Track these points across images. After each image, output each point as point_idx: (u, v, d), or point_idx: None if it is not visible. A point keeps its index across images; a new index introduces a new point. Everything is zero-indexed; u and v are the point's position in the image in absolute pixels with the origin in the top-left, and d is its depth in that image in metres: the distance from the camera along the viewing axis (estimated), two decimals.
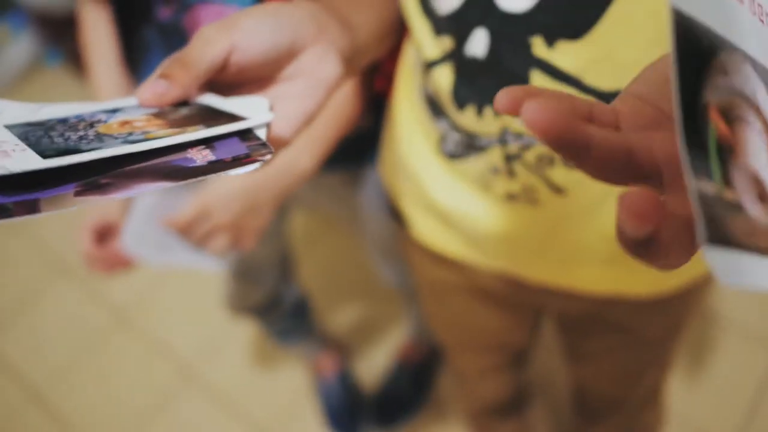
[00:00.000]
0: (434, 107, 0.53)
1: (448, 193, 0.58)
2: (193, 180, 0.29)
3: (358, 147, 0.72)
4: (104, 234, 0.70)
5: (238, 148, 0.31)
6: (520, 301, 0.68)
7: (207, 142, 0.31)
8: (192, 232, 0.61)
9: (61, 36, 1.97)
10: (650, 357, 0.69)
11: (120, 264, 0.69)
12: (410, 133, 0.59)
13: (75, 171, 0.27)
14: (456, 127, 0.51)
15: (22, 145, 0.27)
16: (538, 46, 0.43)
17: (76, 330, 1.53)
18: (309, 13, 0.37)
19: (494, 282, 0.65)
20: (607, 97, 0.43)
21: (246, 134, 0.32)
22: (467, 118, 0.49)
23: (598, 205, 0.51)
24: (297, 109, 0.36)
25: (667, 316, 0.63)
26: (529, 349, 0.85)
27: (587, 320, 0.66)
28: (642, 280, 0.58)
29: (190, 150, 0.30)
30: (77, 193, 0.27)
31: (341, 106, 0.63)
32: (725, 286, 0.46)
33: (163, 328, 1.50)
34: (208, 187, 0.61)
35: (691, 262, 0.56)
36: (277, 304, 1.08)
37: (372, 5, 0.47)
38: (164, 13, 0.67)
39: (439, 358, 1.33)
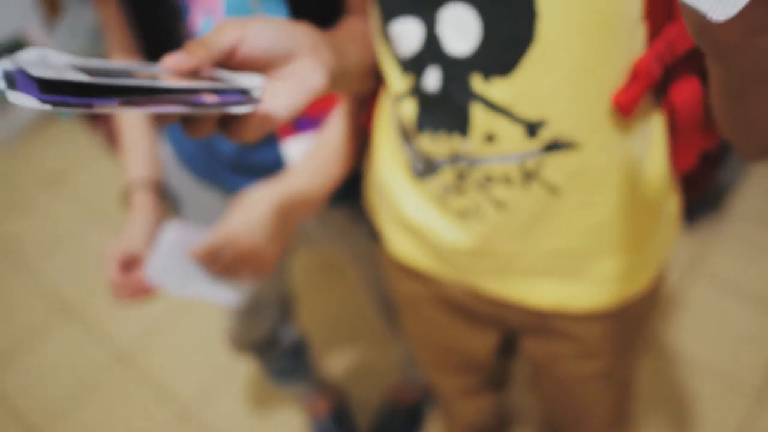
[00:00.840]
0: (404, 134, 0.61)
1: (415, 210, 0.65)
2: (203, 111, 0.40)
3: (360, 183, 0.79)
4: (129, 264, 0.75)
5: (237, 98, 0.43)
6: (483, 314, 0.73)
7: (216, 92, 0.41)
8: (215, 261, 0.67)
9: None
10: (602, 370, 0.72)
11: (142, 292, 0.75)
12: (386, 157, 0.67)
13: (120, 92, 0.37)
14: (418, 151, 0.59)
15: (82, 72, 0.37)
16: (477, 82, 0.51)
17: (76, 370, 1.56)
18: (310, 34, 0.48)
19: (458, 294, 0.71)
20: (533, 125, 0.51)
21: (244, 92, 0.44)
22: (426, 143, 0.58)
23: (537, 221, 0.58)
24: (282, 102, 0.45)
25: (610, 329, 0.67)
26: (503, 371, 0.90)
27: (538, 331, 0.71)
28: (581, 294, 0.63)
29: (204, 94, 0.41)
30: (121, 104, 0.37)
31: (345, 143, 0.71)
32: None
33: (162, 369, 1.53)
34: (230, 218, 0.68)
35: (631, 280, 0.62)
36: (276, 343, 1.13)
37: (360, 46, 0.60)
38: None
39: (430, 400, 1.37)
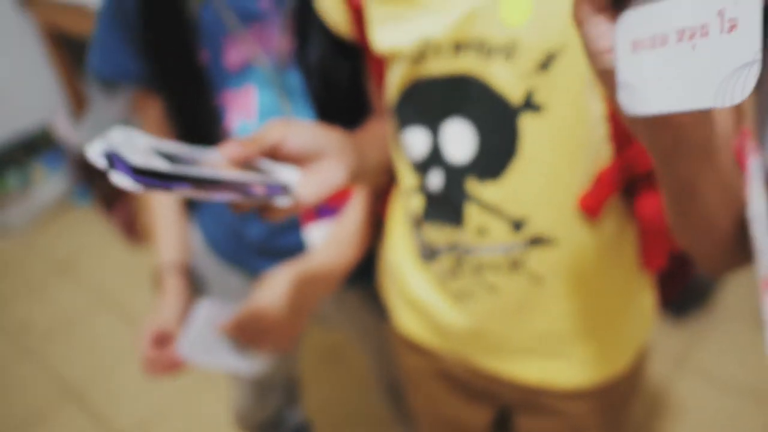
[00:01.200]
0: (413, 223, 0.70)
1: (420, 290, 0.73)
2: (252, 200, 0.51)
3: (372, 267, 0.87)
4: (161, 340, 0.82)
5: (279, 191, 0.53)
6: (479, 389, 0.78)
7: (263, 183, 0.52)
8: (243, 334, 0.74)
9: (93, 177, 2.17)
10: None
11: (173, 367, 0.81)
12: (398, 242, 0.76)
13: (190, 179, 0.47)
14: (424, 238, 0.68)
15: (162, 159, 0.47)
16: (472, 185, 0.61)
17: None
18: (339, 138, 0.59)
19: (457, 369, 0.77)
20: (518, 222, 0.60)
21: (284, 187, 0.54)
22: (430, 232, 0.66)
23: (523, 305, 0.65)
24: (309, 192, 0.55)
25: (595, 407, 0.73)
26: None
27: (529, 407, 0.76)
28: (564, 373, 0.70)
29: (254, 186, 0.51)
30: (192, 189, 0.46)
31: (360, 228, 0.80)
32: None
33: None
34: (256, 294, 0.75)
35: (609, 362, 0.68)
36: (282, 424, 1.17)
37: (380, 148, 0.71)
38: None
39: None
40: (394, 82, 0.62)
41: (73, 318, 1.93)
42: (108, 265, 2.10)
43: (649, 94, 0.34)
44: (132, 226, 2.11)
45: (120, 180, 0.43)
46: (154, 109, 0.86)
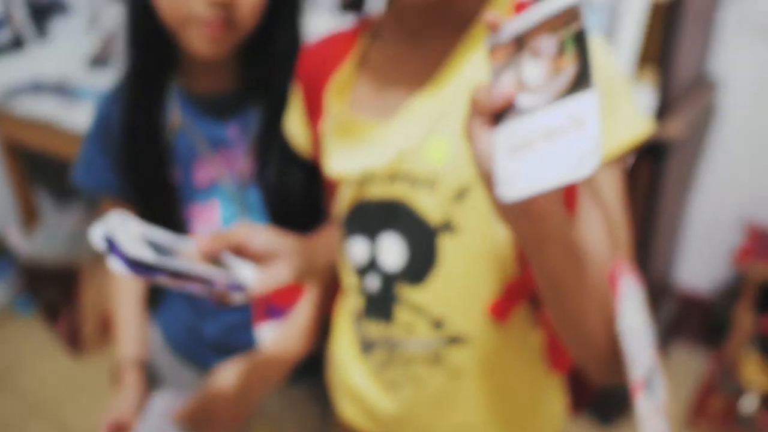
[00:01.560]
0: (355, 319, 0.80)
1: (359, 379, 0.81)
2: (215, 292, 0.61)
3: (317, 366, 0.96)
4: (119, 429, 0.88)
5: (237, 286, 0.64)
6: None
7: (225, 279, 0.63)
8: (195, 421, 0.81)
9: (39, 287, 2.19)
10: None
11: None
12: (342, 337, 0.85)
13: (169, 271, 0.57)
14: (363, 333, 0.78)
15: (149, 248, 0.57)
16: (401, 288, 0.72)
17: None
18: (292, 243, 0.71)
19: None
20: (438, 322, 0.71)
21: (242, 284, 0.65)
22: (367, 327, 0.77)
23: (444, 397, 0.74)
24: (262, 285, 0.68)
25: None
26: None
27: None
28: None
29: (217, 281, 0.62)
30: (168, 278, 0.57)
31: (306, 327, 0.90)
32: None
33: None
34: (207, 385, 0.83)
35: None
36: None
37: (329, 252, 0.82)
38: None
39: None
40: (343, 200, 0.75)
41: (9, 428, 1.89)
42: (48, 375, 2.08)
43: (521, 183, 0.45)
44: (76, 336, 2.12)
45: (114, 265, 0.53)
46: None
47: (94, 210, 2.28)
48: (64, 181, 2.34)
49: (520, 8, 0.67)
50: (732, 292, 1.92)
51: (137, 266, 0.54)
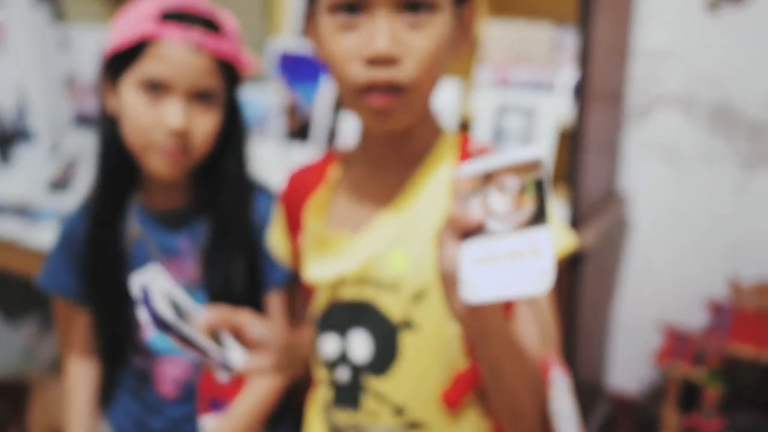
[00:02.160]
0: (325, 408, 0.88)
1: None
2: (208, 361, 0.70)
3: None
4: None
5: (226, 363, 0.72)
6: None
7: (219, 355, 0.71)
8: None
9: None
10: None
11: None
12: (312, 427, 0.93)
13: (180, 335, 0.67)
14: (333, 420, 0.87)
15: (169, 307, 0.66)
16: (368, 379, 0.82)
17: None
18: (281, 340, 0.80)
19: None
20: (399, 409, 0.80)
21: (231, 363, 0.74)
22: (337, 415, 0.86)
23: None
24: (247, 366, 0.76)
25: None
26: None
27: None
28: None
29: (213, 355, 0.71)
30: (178, 341, 0.66)
31: (246, 417, 0.99)
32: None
33: None
34: None
35: None
36: None
37: (305, 353, 0.91)
38: (137, 362, 1.04)
39: None
40: (318, 302, 0.86)
41: None
42: None
43: (484, 290, 0.56)
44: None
45: (142, 315, 0.64)
46: (82, 319, 1.07)
47: (46, 327, 2.33)
48: (17, 297, 2.40)
49: (465, 150, 0.81)
50: (658, 391, 2.05)
51: (159, 321, 0.64)
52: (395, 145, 0.80)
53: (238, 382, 1.02)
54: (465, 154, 0.81)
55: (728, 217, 1.87)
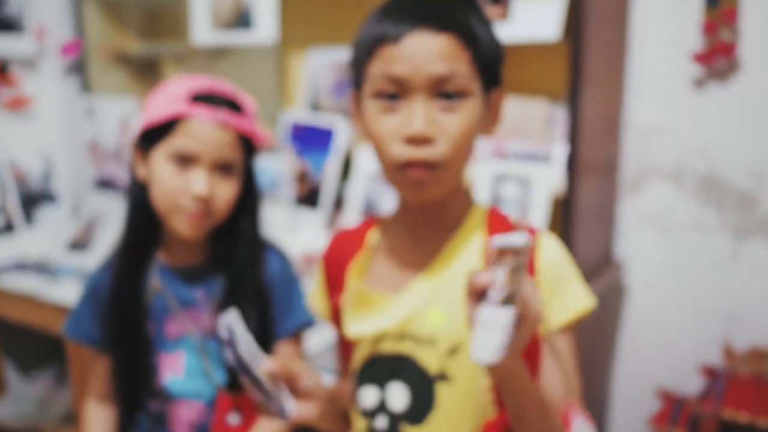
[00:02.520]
0: None
1: None
2: (268, 406, 0.78)
3: None
4: None
5: (282, 410, 0.79)
6: None
7: (278, 401, 0.78)
8: None
9: None
10: None
11: None
12: None
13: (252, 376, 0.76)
14: None
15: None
16: (405, 427, 0.89)
17: None
18: (327, 393, 0.88)
19: None
20: None
21: (285, 410, 0.80)
22: None
23: None
24: (299, 414, 0.82)
25: None
26: None
27: None
28: None
29: (274, 399, 0.78)
30: (249, 382, 0.75)
31: None
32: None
33: None
34: None
35: None
36: None
37: (343, 405, 0.96)
38: (154, 405, 1.12)
39: None
40: (359, 356, 0.93)
41: None
42: None
43: (481, 352, 0.63)
44: None
45: (227, 355, 0.72)
46: (102, 367, 1.15)
47: (60, 380, 2.39)
48: (34, 351, 2.48)
49: (492, 218, 0.90)
50: None
51: (239, 362, 0.72)
52: (430, 214, 0.88)
53: (249, 423, 1.09)
54: (493, 224, 0.89)
55: (721, 284, 1.93)
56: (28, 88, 2.56)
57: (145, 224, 1.12)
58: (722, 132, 1.88)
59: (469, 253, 0.88)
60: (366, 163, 2.09)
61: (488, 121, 0.87)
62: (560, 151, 1.83)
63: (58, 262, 2.41)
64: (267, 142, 1.16)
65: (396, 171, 0.82)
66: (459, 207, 0.90)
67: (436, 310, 0.86)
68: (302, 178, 2.22)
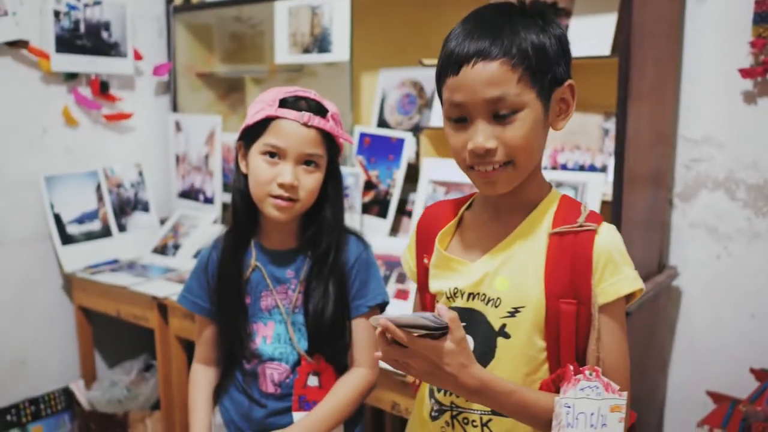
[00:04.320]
0: (430, 392, 1.09)
1: None
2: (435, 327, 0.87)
3: None
4: None
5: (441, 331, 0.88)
6: None
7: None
8: None
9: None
10: None
11: None
12: (418, 410, 1.14)
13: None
14: (437, 400, 1.07)
15: None
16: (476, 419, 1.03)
17: None
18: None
19: None
20: None
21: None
22: (440, 396, 1.06)
23: None
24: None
25: None
26: None
27: None
28: None
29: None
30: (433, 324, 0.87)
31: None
32: None
33: None
34: None
35: None
36: None
37: None
38: (248, 365, 1.31)
39: None
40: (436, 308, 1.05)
41: None
42: None
43: None
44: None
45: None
46: (210, 330, 1.36)
47: (148, 371, 2.62)
48: (123, 342, 2.72)
49: (562, 204, 1.02)
50: None
51: (399, 326, 0.85)
52: (506, 198, 1.02)
53: (325, 385, 1.26)
54: (561, 210, 1.02)
55: None
56: (126, 106, 2.85)
57: (246, 211, 1.31)
58: None
59: (535, 233, 1.01)
60: (430, 174, 2.25)
61: (555, 116, 1.00)
62: (613, 161, 1.95)
63: (144, 263, 2.66)
64: (347, 141, 1.33)
65: (466, 170, 0.99)
66: (533, 191, 1.03)
67: (503, 277, 1.01)
68: (370, 186, 2.40)
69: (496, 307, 1.01)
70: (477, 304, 1.03)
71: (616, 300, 0.96)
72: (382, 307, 1.37)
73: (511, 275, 1.00)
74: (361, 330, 1.33)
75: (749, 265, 2.03)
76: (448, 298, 1.05)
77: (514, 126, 0.94)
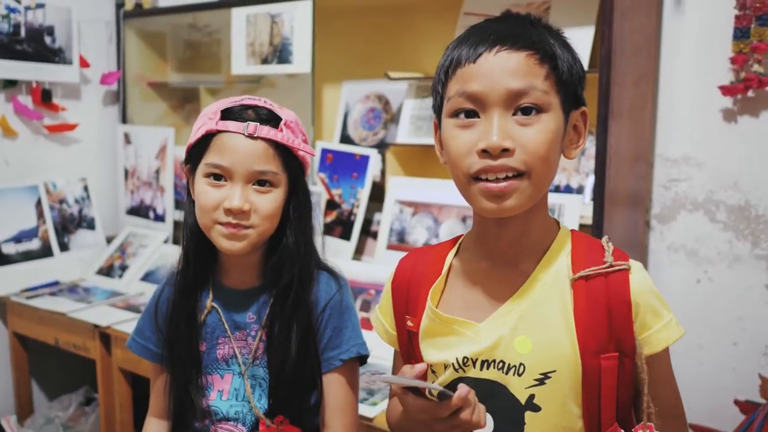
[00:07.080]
0: None
1: None
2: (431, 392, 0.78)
3: None
4: None
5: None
6: None
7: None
8: None
9: None
10: None
11: None
12: None
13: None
14: None
15: None
16: None
17: None
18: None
19: None
20: None
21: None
22: None
23: None
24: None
25: None
26: None
27: None
28: None
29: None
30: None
31: None
32: None
33: None
34: None
35: None
36: None
37: None
38: (199, 425, 1.12)
39: None
40: (442, 381, 0.89)
41: None
42: None
43: None
44: None
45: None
46: (163, 379, 1.16)
47: (88, 404, 2.41)
48: (60, 375, 2.51)
49: (576, 242, 0.88)
50: None
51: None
52: (509, 240, 0.87)
53: None
54: (579, 247, 0.87)
55: (757, 316, 1.91)
56: (70, 116, 2.65)
57: (198, 246, 1.11)
58: (753, 163, 1.88)
59: (554, 280, 0.86)
60: (396, 193, 2.12)
61: (570, 141, 0.87)
62: (591, 182, 1.84)
63: (90, 285, 2.46)
64: (308, 153, 1.13)
65: (470, 182, 0.82)
66: (541, 230, 0.89)
67: (523, 338, 0.85)
68: (333, 207, 2.26)
69: (519, 375, 0.85)
70: (494, 374, 0.86)
71: (668, 345, 0.85)
72: (361, 360, 1.15)
73: (533, 334, 0.85)
74: (334, 387, 1.11)
75: (731, 290, 1.94)
76: (456, 369, 0.89)
77: (535, 129, 0.80)
